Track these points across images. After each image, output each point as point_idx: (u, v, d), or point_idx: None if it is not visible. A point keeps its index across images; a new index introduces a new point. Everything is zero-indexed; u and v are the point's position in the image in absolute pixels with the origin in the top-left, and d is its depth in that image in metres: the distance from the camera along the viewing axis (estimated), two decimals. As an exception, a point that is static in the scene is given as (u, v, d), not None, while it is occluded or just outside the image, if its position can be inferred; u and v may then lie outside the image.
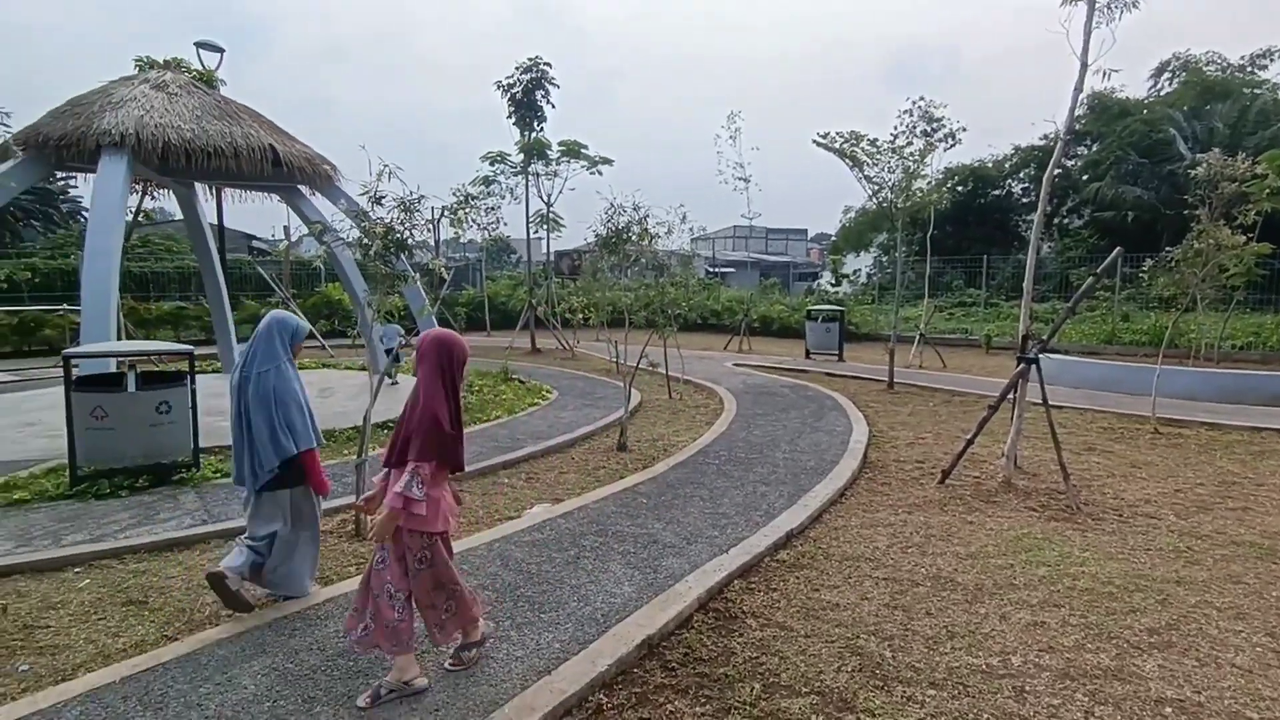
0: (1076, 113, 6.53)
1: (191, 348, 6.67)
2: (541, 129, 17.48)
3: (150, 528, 4.94)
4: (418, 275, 6.71)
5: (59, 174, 15.33)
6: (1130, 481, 6.44)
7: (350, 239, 5.86)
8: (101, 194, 8.30)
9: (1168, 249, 9.09)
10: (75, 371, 6.17)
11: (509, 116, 17.27)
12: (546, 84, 17.07)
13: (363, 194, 5.19)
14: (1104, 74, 6.17)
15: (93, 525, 4.98)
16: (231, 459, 3.95)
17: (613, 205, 7.99)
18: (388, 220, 5.23)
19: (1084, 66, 6.05)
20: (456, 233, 8.78)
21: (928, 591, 4.10)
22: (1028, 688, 3.12)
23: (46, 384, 11.23)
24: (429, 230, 6.36)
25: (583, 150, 18.25)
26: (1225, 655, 3.42)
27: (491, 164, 18.76)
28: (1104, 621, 3.74)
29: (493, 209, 16.82)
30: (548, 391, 10.95)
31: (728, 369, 13.98)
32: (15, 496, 5.51)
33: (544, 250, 22.52)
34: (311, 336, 3.95)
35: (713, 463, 6.86)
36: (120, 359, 7.52)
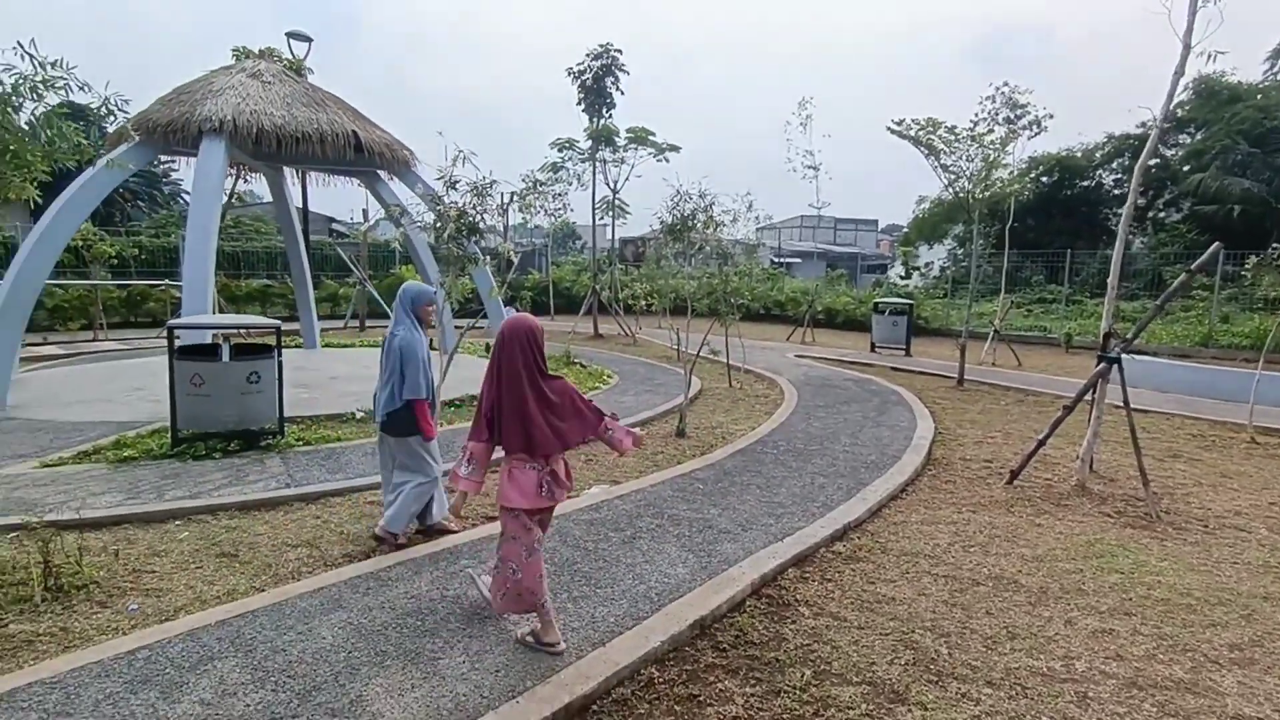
0: (1179, 98, 6.13)
1: (279, 322, 7.10)
2: (610, 115, 17.58)
3: (240, 488, 5.33)
4: (487, 258, 6.92)
5: (162, 157, 16.46)
6: (1219, 492, 6.07)
7: (425, 223, 6.10)
8: (202, 176, 8.90)
9: (1275, 245, 8.43)
10: (177, 342, 6.68)
11: (578, 103, 17.44)
12: (617, 70, 17.14)
13: (438, 178, 5.41)
14: (1209, 56, 5.75)
15: (190, 483, 5.42)
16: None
17: (678, 192, 7.99)
18: (460, 204, 5.44)
19: (1186, 48, 5.66)
20: (524, 218, 8.99)
21: (989, 591, 4.01)
22: (1091, 694, 3.03)
23: (148, 353, 12.16)
24: (499, 215, 6.55)
25: (650, 137, 18.25)
26: (1314, 677, 3.22)
27: (560, 150, 18.99)
28: (1180, 633, 3.58)
29: (560, 195, 17.07)
30: (609, 376, 11.11)
31: (790, 360, 13.82)
32: (125, 454, 6.04)
33: (609, 236, 22.69)
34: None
35: (771, 452, 6.85)
36: (217, 331, 8.07)
